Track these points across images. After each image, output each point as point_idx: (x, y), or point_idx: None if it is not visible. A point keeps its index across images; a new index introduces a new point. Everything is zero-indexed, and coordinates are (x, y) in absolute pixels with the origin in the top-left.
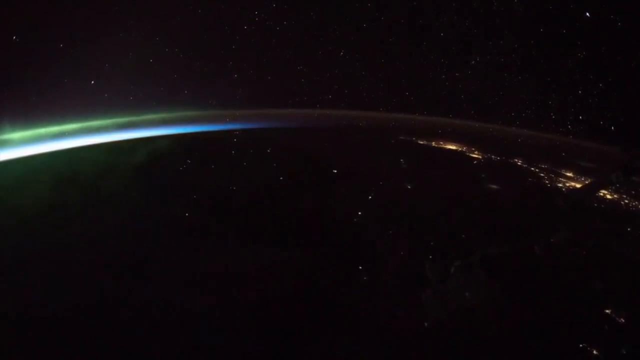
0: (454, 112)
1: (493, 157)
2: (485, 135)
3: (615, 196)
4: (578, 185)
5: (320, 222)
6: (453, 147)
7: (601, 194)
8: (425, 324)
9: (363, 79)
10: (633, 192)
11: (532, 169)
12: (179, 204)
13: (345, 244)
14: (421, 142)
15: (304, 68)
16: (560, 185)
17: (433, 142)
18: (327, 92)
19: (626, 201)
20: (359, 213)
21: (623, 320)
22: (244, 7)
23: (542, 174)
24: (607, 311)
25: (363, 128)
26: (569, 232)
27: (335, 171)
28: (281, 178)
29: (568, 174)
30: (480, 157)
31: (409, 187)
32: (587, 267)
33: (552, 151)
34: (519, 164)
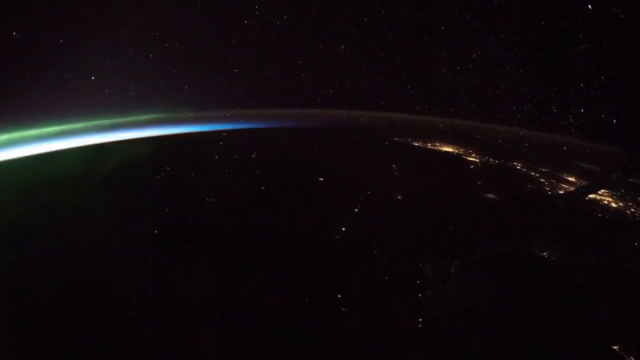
0: (452, 110)
1: (491, 160)
2: (484, 134)
3: (620, 204)
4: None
5: (300, 239)
6: (449, 149)
7: (605, 202)
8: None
9: (363, 76)
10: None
11: (532, 173)
12: (146, 219)
13: (328, 263)
14: (416, 144)
15: (304, 62)
16: (561, 192)
17: (429, 144)
18: (326, 90)
19: (632, 210)
20: (343, 228)
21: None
22: (243, 2)
23: (542, 179)
24: (614, 347)
25: (358, 129)
26: (569, 247)
27: (322, 179)
28: (262, 187)
29: (570, 179)
30: (477, 160)
31: (399, 197)
32: (590, 290)
33: (553, 152)
34: (518, 167)
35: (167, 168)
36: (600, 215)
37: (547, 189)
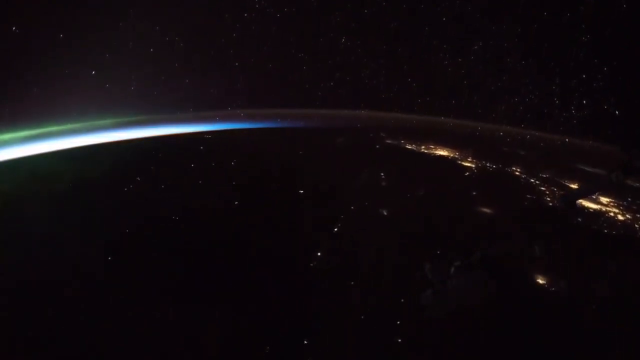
0: (453, 102)
1: (488, 165)
2: (483, 134)
3: (628, 217)
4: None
5: (271, 268)
6: (444, 153)
7: (612, 214)
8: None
9: (364, 69)
10: None
11: (532, 180)
12: (95, 240)
13: (296, 300)
14: (409, 147)
15: (305, 55)
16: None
17: (422, 147)
18: (327, 83)
19: None
20: (318, 253)
21: None
22: None
23: (543, 187)
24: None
25: (350, 130)
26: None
27: (302, 191)
28: (236, 202)
29: (572, 186)
30: (473, 165)
31: (384, 213)
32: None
33: (554, 153)
34: (517, 173)
35: (138, 178)
36: (606, 230)
37: (548, 199)
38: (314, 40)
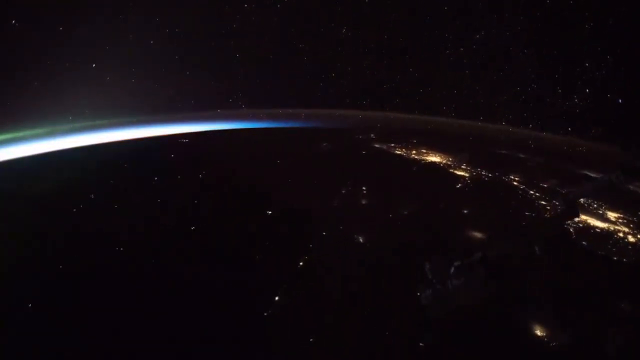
0: (453, 100)
1: (484, 173)
2: (481, 135)
3: (639, 237)
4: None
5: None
6: (436, 159)
7: (621, 234)
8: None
9: (365, 60)
10: None
11: (532, 191)
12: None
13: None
14: (398, 152)
15: (305, 46)
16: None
17: (413, 151)
18: (329, 74)
19: None
20: (276, 298)
21: None
22: None
23: (544, 202)
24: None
25: (341, 131)
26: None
27: (271, 212)
28: (193, 228)
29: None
30: (467, 175)
31: (361, 240)
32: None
33: (554, 155)
34: (515, 183)
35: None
36: (615, 257)
37: (548, 215)
38: (314, 32)
